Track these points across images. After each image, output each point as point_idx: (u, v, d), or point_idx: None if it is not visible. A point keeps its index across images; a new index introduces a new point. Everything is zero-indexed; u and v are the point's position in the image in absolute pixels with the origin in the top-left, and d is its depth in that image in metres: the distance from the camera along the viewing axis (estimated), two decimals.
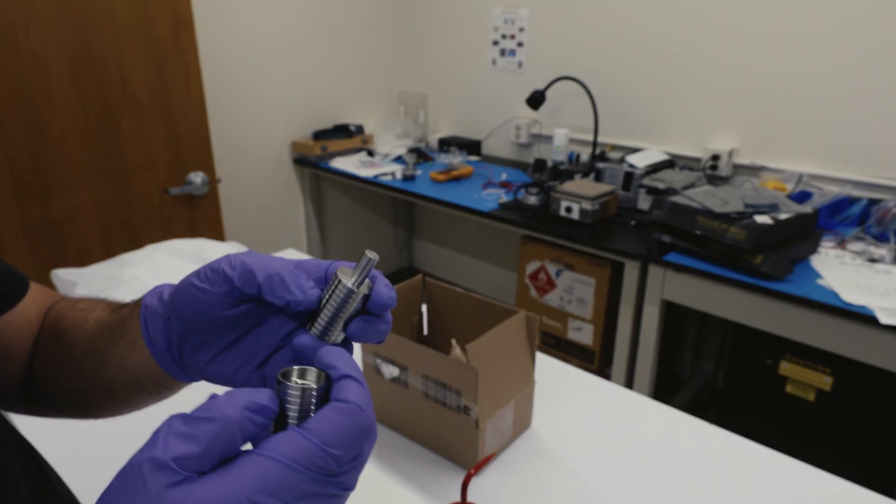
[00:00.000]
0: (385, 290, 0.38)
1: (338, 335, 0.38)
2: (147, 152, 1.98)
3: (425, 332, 1.07)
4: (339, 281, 0.37)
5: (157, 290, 0.45)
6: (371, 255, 0.37)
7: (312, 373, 0.34)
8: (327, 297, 0.38)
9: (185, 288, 0.41)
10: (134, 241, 1.98)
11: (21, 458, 0.43)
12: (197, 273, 0.40)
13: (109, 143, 1.90)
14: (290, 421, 0.32)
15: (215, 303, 0.40)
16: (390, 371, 0.89)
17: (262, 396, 0.31)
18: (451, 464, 0.87)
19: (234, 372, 0.42)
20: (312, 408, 0.32)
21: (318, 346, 0.36)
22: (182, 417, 0.30)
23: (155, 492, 0.28)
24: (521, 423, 0.93)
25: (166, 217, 2.07)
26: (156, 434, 0.30)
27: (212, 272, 0.39)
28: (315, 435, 0.30)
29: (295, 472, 0.29)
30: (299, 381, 0.33)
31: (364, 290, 0.38)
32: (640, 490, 0.83)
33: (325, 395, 0.33)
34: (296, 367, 0.34)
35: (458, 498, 0.80)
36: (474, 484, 0.83)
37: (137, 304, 0.47)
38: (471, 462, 0.85)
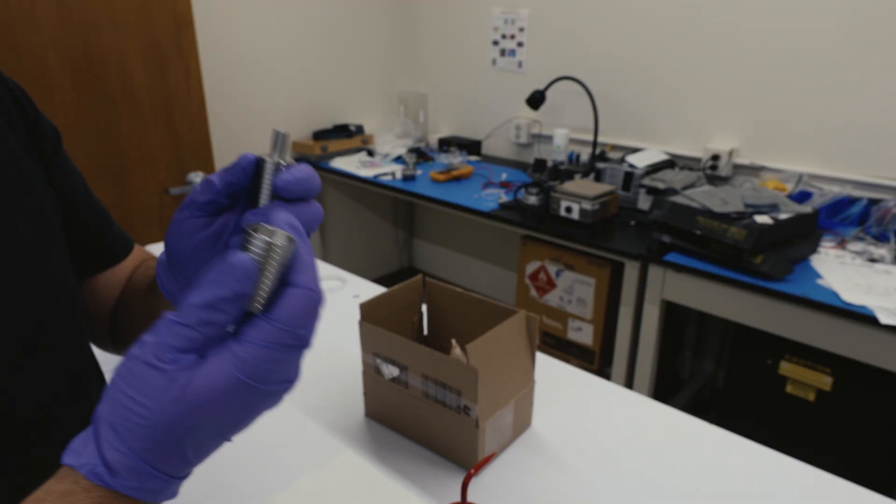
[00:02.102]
0: (292, 171, 0.41)
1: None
2: (147, 152, 1.98)
3: (425, 332, 1.07)
4: (261, 158, 0.42)
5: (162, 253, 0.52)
6: (280, 130, 0.42)
7: (277, 235, 0.37)
8: (256, 179, 0.42)
9: (170, 227, 0.47)
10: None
11: (100, 389, 0.57)
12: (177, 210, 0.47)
13: (109, 143, 1.90)
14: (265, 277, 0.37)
15: (191, 228, 0.45)
16: (390, 371, 0.89)
17: (231, 299, 0.36)
18: (451, 464, 0.87)
19: None
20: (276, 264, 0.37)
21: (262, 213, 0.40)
22: (171, 327, 0.36)
23: (169, 374, 0.35)
24: (521, 423, 0.93)
25: (166, 217, 2.07)
26: (157, 330, 0.36)
27: (183, 203, 0.46)
28: (281, 323, 0.36)
29: (269, 350, 0.36)
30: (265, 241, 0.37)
31: (282, 160, 0.42)
32: (640, 490, 0.83)
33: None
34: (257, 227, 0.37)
35: (458, 498, 0.80)
36: (474, 484, 0.83)
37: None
38: (471, 462, 0.85)
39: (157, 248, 1.49)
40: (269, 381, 0.36)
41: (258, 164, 0.42)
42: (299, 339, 0.36)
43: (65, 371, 0.54)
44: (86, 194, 0.63)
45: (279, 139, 0.42)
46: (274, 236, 0.36)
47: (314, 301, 0.37)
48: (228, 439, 0.39)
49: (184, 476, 0.38)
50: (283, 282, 0.37)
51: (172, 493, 0.39)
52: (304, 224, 0.40)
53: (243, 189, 0.44)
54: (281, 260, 0.37)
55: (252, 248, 0.36)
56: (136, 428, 0.35)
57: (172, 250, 0.47)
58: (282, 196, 0.41)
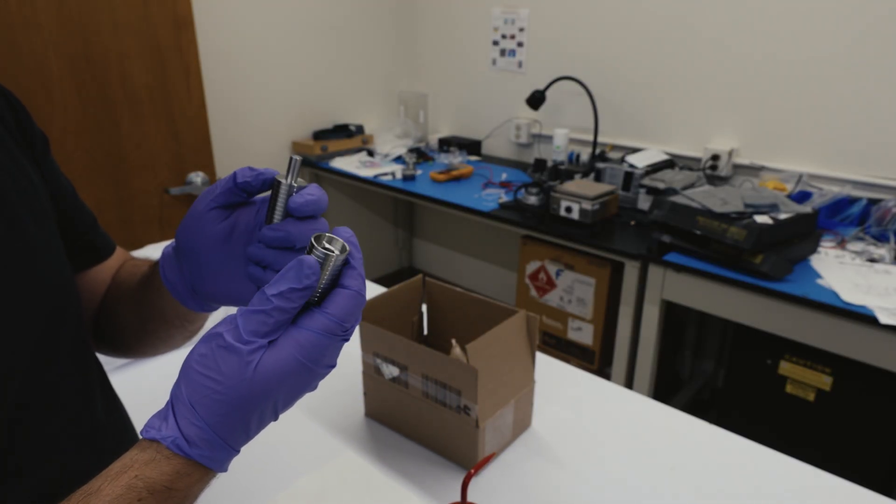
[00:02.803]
0: (303, 194, 0.48)
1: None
2: (147, 152, 1.98)
3: (425, 332, 1.07)
4: (276, 181, 0.48)
5: (171, 243, 0.56)
6: (295, 156, 0.48)
7: (336, 243, 0.45)
8: (272, 199, 0.48)
9: (184, 219, 0.52)
10: (134, 241, 1.98)
11: (100, 379, 0.62)
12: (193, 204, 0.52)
13: (110, 143, 1.90)
14: (321, 283, 0.45)
15: (208, 220, 0.51)
16: (390, 371, 0.89)
17: (300, 289, 0.43)
18: (451, 464, 0.87)
19: (238, 289, 0.53)
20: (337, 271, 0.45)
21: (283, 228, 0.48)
22: (247, 315, 0.43)
23: (244, 356, 0.42)
24: (521, 423, 0.93)
25: (166, 217, 2.07)
26: (231, 319, 0.43)
27: (199, 197, 0.51)
28: (334, 316, 0.44)
29: (322, 338, 0.43)
30: (328, 250, 0.44)
31: (294, 184, 0.48)
32: (639, 490, 0.83)
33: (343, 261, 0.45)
34: (325, 236, 0.45)
35: (458, 498, 0.80)
36: (474, 484, 0.83)
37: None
38: (471, 462, 0.85)
39: (157, 248, 1.49)
40: (319, 364, 0.44)
41: (273, 185, 0.48)
42: (345, 331, 0.44)
43: (76, 359, 0.57)
44: (73, 197, 0.65)
45: (293, 164, 0.47)
46: (333, 244, 0.45)
47: (360, 302, 0.45)
48: (277, 417, 0.45)
49: (239, 450, 0.45)
50: (336, 283, 0.45)
51: (226, 467, 0.45)
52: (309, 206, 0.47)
53: (257, 191, 0.50)
54: (336, 263, 0.44)
55: (316, 252, 0.44)
56: (212, 404, 0.42)
57: (184, 241, 0.52)
58: (294, 215, 0.48)
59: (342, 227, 0.47)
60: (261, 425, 0.45)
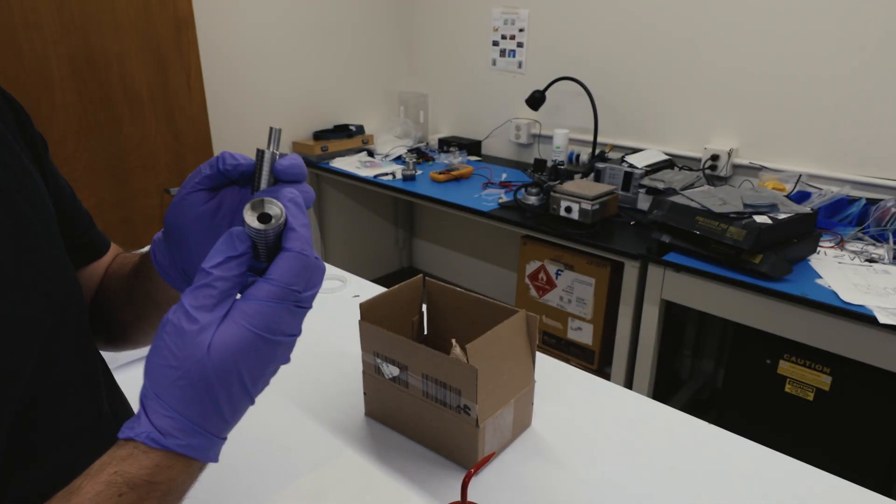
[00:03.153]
0: (287, 157, 0.49)
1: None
2: (148, 152, 1.99)
3: (425, 331, 1.07)
4: (260, 151, 0.48)
5: (158, 232, 0.57)
6: (275, 127, 0.48)
7: (273, 206, 0.45)
8: (257, 168, 0.48)
9: (173, 202, 0.53)
10: (135, 241, 1.99)
11: (105, 373, 0.63)
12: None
13: (110, 143, 1.90)
14: (261, 250, 0.45)
15: (194, 202, 0.51)
16: (390, 371, 0.90)
17: (236, 256, 0.43)
18: (451, 463, 0.88)
19: None
20: (272, 238, 0.45)
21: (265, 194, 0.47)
22: (191, 292, 0.43)
23: (195, 333, 0.41)
24: (521, 422, 0.93)
25: None
26: (179, 304, 0.43)
27: (185, 181, 0.52)
28: (277, 280, 0.43)
29: (270, 304, 0.42)
30: (260, 225, 0.44)
31: (278, 153, 0.48)
32: (639, 490, 0.83)
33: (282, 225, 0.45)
34: (256, 202, 0.44)
35: (458, 498, 0.80)
36: (474, 484, 0.83)
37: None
38: (471, 462, 0.85)
39: None
40: (276, 333, 0.43)
41: (258, 154, 0.48)
42: (295, 293, 0.43)
43: (81, 354, 0.58)
44: (72, 198, 0.66)
45: (274, 134, 0.48)
46: (270, 208, 0.44)
47: (304, 262, 0.44)
48: (252, 396, 0.45)
49: (223, 437, 0.45)
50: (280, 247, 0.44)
51: (215, 455, 0.45)
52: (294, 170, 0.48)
53: (243, 169, 0.50)
54: (276, 227, 0.44)
55: (247, 219, 0.44)
56: (175, 391, 0.41)
57: (172, 224, 0.53)
58: (281, 179, 0.48)
59: (282, 185, 0.47)
60: (234, 406, 0.44)
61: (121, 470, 0.41)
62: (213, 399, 0.42)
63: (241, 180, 0.52)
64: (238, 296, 0.44)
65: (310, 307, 0.46)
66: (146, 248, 0.64)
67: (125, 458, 0.41)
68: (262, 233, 0.44)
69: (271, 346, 0.43)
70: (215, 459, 0.45)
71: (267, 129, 2.47)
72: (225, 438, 0.45)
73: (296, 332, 0.45)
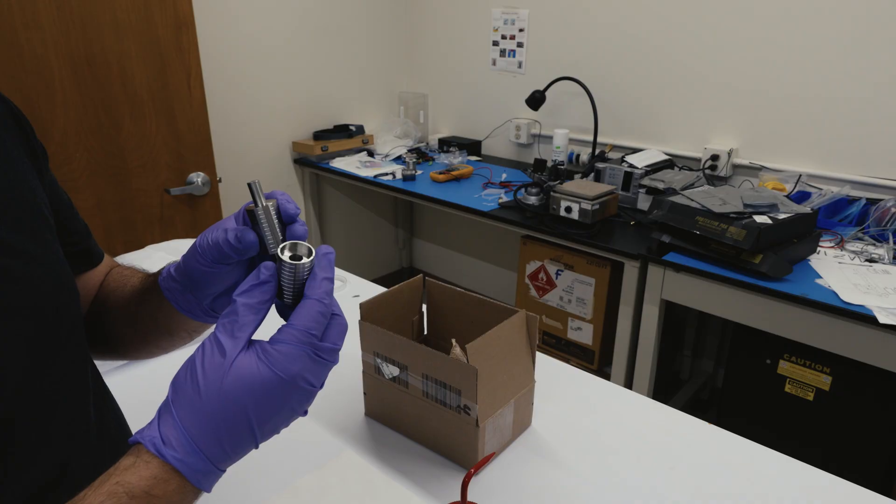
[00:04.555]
0: (287, 200, 0.52)
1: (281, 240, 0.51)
2: (148, 152, 1.98)
3: (425, 331, 1.07)
4: (250, 212, 0.50)
5: (167, 270, 0.59)
6: (251, 181, 0.50)
7: (302, 247, 0.49)
8: (261, 225, 0.50)
9: (187, 261, 0.55)
10: (135, 241, 1.99)
11: (96, 378, 0.63)
12: (185, 257, 0.56)
13: (110, 143, 1.90)
14: (285, 288, 0.49)
15: (207, 263, 0.54)
16: (390, 371, 0.90)
17: (259, 284, 0.47)
18: (451, 464, 0.88)
19: None
20: (304, 277, 0.49)
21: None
22: (220, 320, 0.47)
23: (220, 360, 0.45)
24: (521, 422, 0.93)
25: (167, 217, 2.08)
26: (212, 333, 0.46)
27: (203, 248, 0.54)
28: (297, 325, 0.46)
29: (291, 347, 0.46)
30: (291, 261, 0.48)
31: (270, 205, 0.50)
32: (639, 490, 0.83)
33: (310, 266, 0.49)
34: (290, 243, 0.49)
35: (458, 498, 0.80)
36: (474, 484, 0.83)
37: (156, 276, 0.61)
38: (471, 462, 0.85)
39: (157, 249, 1.50)
40: (291, 375, 0.45)
41: (254, 214, 0.50)
42: (312, 338, 0.46)
43: (74, 358, 0.58)
44: (70, 208, 0.67)
45: (256, 188, 0.50)
46: (301, 249, 0.48)
47: (323, 309, 0.47)
48: (256, 437, 0.46)
49: (221, 469, 0.46)
50: (304, 293, 0.48)
51: (209, 485, 0.46)
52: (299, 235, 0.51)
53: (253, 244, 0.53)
54: (301, 272, 0.48)
55: (285, 263, 0.47)
56: (188, 406, 0.44)
57: (193, 282, 0.56)
58: (290, 220, 0.51)
59: (326, 247, 0.51)
60: (235, 439, 0.45)
61: (122, 480, 0.42)
62: (216, 424, 0.44)
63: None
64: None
65: (334, 361, 0.48)
66: (145, 267, 0.69)
67: (128, 468, 0.43)
68: (291, 269, 0.47)
69: (285, 387, 0.45)
70: (208, 489, 0.46)
71: (271, 129, 2.45)
72: (222, 471, 0.47)
73: (315, 383, 0.47)
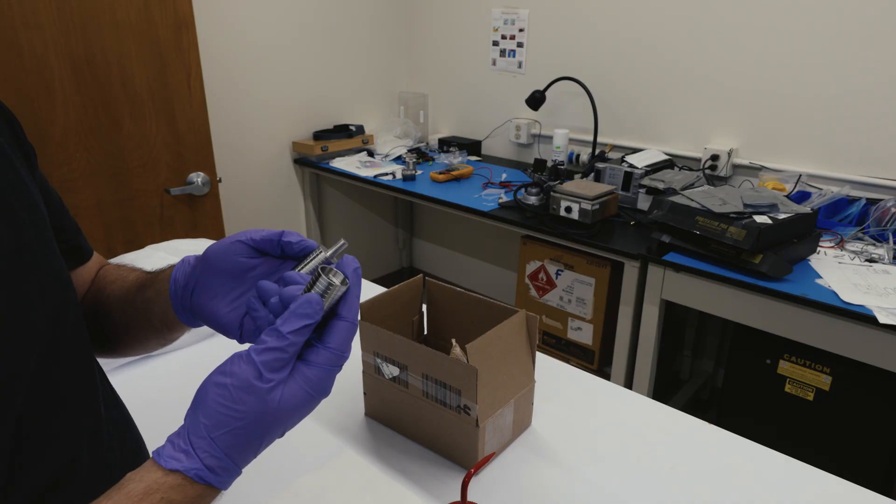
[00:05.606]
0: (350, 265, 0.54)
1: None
2: (148, 152, 1.98)
3: (425, 331, 1.07)
4: (320, 249, 0.55)
5: (191, 255, 0.61)
6: (343, 242, 0.54)
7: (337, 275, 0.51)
8: (311, 257, 0.54)
9: (222, 240, 0.57)
10: (135, 241, 1.99)
11: (101, 377, 0.64)
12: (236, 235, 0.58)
13: (110, 143, 1.90)
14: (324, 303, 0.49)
15: (239, 251, 0.56)
16: (390, 371, 0.90)
17: (312, 325, 0.48)
18: (451, 463, 0.88)
19: (226, 315, 0.57)
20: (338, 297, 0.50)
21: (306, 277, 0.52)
22: (265, 351, 0.47)
23: (264, 392, 0.46)
24: (521, 422, 0.93)
25: (167, 217, 2.07)
26: (249, 356, 0.47)
27: (248, 231, 0.57)
28: (335, 349, 0.49)
29: (328, 370, 0.49)
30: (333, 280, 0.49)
31: (334, 260, 0.54)
32: (639, 490, 0.83)
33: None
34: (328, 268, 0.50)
35: (458, 497, 0.80)
36: (474, 483, 0.83)
37: (155, 272, 0.64)
38: (471, 462, 0.85)
39: (157, 249, 1.49)
40: (323, 394, 0.49)
41: (317, 250, 0.55)
42: (344, 359, 0.50)
43: (79, 355, 0.59)
44: (61, 207, 0.68)
45: (341, 247, 0.54)
46: (335, 278, 0.49)
47: (354, 332, 0.50)
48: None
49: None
50: (332, 311, 0.50)
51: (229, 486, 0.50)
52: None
53: (293, 254, 0.56)
54: (337, 295, 0.49)
55: (319, 284, 0.49)
56: (232, 438, 0.46)
57: (212, 255, 0.57)
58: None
59: (351, 256, 0.53)
60: (264, 448, 0.51)
61: (168, 497, 0.45)
62: (259, 447, 0.49)
63: (284, 256, 0.57)
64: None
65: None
66: (138, 265, 0.70)
67: (173, 487, 0.46)
68: (333, 297, 0.49)
69: (315, 404, 0.50)
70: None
71: (271, 129, 2.46)
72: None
73: (329, 391, 0.51)
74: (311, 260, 0.54)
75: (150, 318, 0.63)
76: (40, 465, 0.51)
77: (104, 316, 0.68)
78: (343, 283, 0.49)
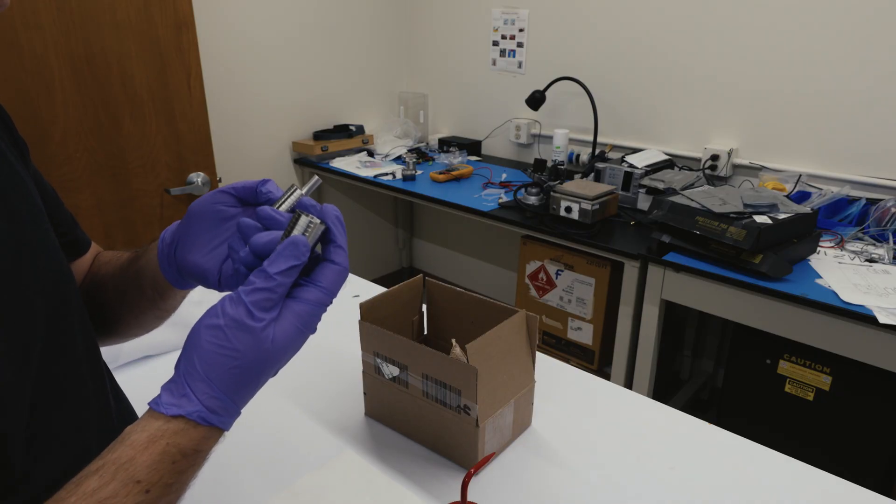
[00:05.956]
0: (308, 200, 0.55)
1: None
2: (148, 152, 1.98)
3: (425, 331, 1.07)
4: (293, 185, 0.55)
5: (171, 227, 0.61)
6: (317, 178, 0.57)
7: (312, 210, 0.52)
8: (285, 195, 0.55)
9: (207, 193, 0.58)
10: (135, 241, 1.99)
11: (105, 365, 0.66)
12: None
13: (110, 143, 1.90)
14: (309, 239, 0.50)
15: (220, 199, 0.57)
16: (390, 371, 0.90)
17: (299, 265, 0.49)
18: (451, 464, 0.88)
19: (206, 262, 0.58)
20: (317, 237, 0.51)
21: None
22: (253, 291, 0.48)
23: (258, 330, 0.47)
24: (521, 422, 0.93)
25: (167, 217, 2.07)
26: (239, 296, 0.47)
27: (230, 186, 0.58)
28: (325, 288, 0.50)
29: (317, 308, 0.50)
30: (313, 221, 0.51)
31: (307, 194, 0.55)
32: (639, 490, 0.83)
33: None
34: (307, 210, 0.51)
35: (458, 498, 0.80)
36: (474, 484, 0.83)
37: (145, 247, 0.65)
38: (471, 462, 0.85)
39: None
40: (311, 329, 0.50)
41: (291, 187, 0.55)
42: (331, 299, 0.51)
43: (87, 345, 0.60)
44: (56, 199, 0.68)
45: (314, 183, 0.56)
46: (313, 219, 0.50)
47: (344, 276, 0.52)
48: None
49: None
50: (321, 255, 0.51)
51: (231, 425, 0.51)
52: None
53: (273, 198, 0.56)
54: (318, 234, 0.50)
55: (300, 224, 0.50)
56: (230, 378, 0.47)
57: (193, 207, 0.58)
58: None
59: (330, 205, 0.53)
60: (260, 386, 0.51)
61: (173, 441, 0.46)
62: (257, 384, 0.49)
63: (262, 202, 0.58)
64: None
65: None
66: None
67: (177, 432, 0.46)
68: (313, 232, 0.50)
69: (305, 339, 0.51)
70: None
71: (271, 129, 2.47)
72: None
73: (315, 329, 0.52)
74: (287, 197, 0.54)
75: (141, 286, 0.64)
76: (56, 456, 0.52)
77: (101, 294, 0.69)
78: (322, 222, 0.51)
